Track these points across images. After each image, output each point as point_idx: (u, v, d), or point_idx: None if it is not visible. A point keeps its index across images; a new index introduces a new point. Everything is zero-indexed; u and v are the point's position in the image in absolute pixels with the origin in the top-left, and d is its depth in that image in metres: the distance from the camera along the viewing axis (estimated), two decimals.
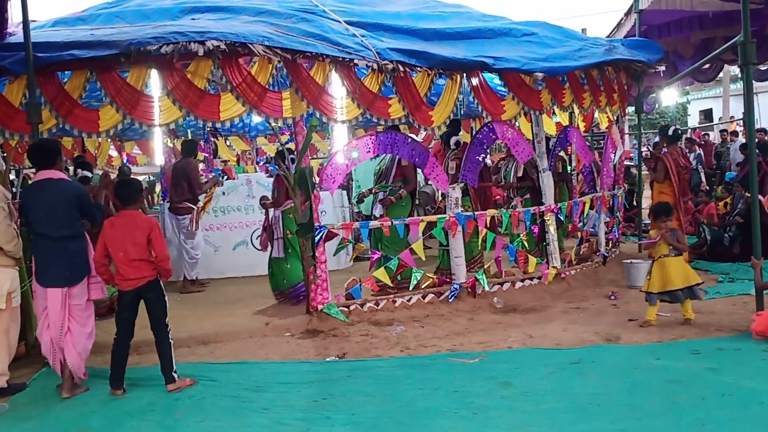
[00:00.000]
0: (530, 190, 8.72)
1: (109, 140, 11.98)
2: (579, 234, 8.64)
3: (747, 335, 5.32)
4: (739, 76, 6.04)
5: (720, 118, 25.43)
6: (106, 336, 5.12)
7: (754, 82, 16.58)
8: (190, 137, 11.32)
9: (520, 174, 8.89)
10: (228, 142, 14.39)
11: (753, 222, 5.83)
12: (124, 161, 13.08)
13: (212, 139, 12.52)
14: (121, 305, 4.79)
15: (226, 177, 10.96)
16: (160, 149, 11.45)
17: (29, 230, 4.97)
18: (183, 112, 5.88)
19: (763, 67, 13.62)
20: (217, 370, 5.21)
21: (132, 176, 9.18)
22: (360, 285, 6.73)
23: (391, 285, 6.86)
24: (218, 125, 6.37)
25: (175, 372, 4.75)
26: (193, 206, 8.55)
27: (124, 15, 6.63)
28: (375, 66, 6.16)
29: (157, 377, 4.81)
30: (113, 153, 13.27)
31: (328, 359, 5.39)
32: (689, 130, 27.22)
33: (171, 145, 11.52)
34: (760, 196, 6.43)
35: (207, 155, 12.77)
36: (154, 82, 6.01)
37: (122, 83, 5.73)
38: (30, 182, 5.14)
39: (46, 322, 4.77)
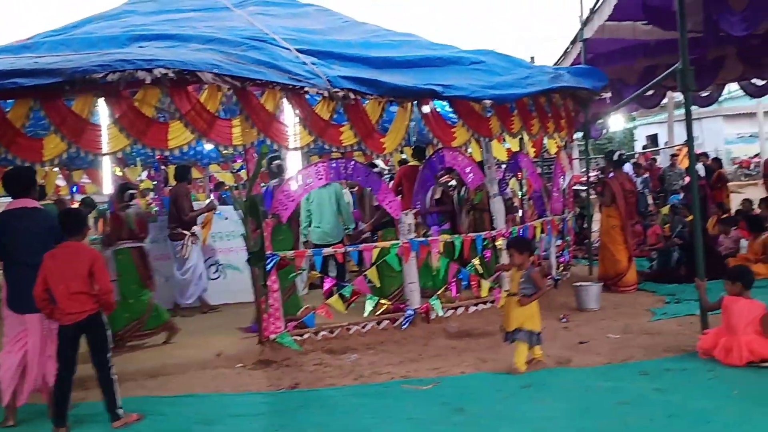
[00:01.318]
0: (449, 216, 8.74)
1: (56, 169, 11.69)
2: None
3: (693, 355, 5.44)
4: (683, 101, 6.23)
5: (666, 143, 26.23)
6: None
7: (698, 107, 17.25)
8: (181, 164, 11.03)
9: (437, 196, 8.81)
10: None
11: (696, 244, 6.00)
12: (73, 190, 12.78)
13: (163, 167, 12.32)
14: (61, 340, 4.63)
15: None
16: (108, 178, 11.23)
17: (3, 258, 4.94)
18: (130, 140, 5.78)
19: (704, 94, 14.16)
20: (166, 403, 5.08)
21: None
22: (314, 313, 6.67)
23: (345, 312, 6.82)
24: (167, 153, 6.29)
25: (120, 408, 4.60)
26: (186, 232, 8.47)
27: (70, 43, 6.52)
28: (326, 93, 6.18)
29: (103, 412, 4.65)
30: (60, 182, 12.95)
31: (280, 390, 5.30)
32: (636, 155, 28.01)
33: (120, 174, 11.32)
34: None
35: (157, 184, 12.57)
36: (102, 110, 5.92)
37: (67, 111, 5.62)
38: (3, 210, 5.07)
39: (16, 347, 4.74)
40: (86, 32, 6.99)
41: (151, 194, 13.03)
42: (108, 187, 11.27)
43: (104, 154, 6.07)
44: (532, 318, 5.38)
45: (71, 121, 5.61)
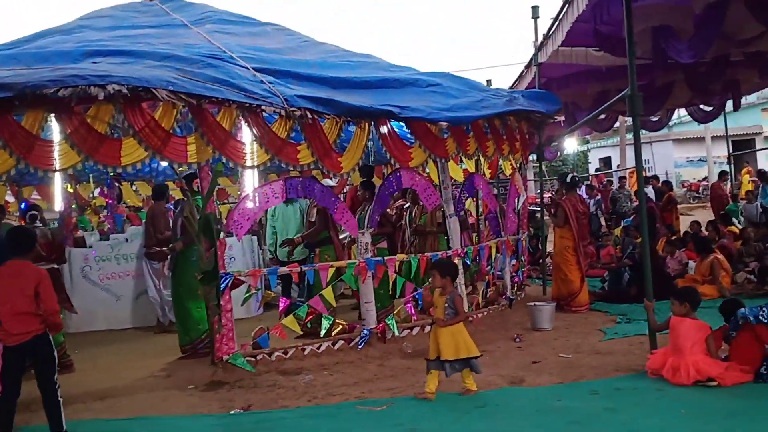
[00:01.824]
0: (387, 237, 8.70)
1: (6, 185, 11.40)
2: (486, 278, 8.83)
3: (643, 374, 5.55)
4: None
5: (618, 166, 26.87)
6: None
7: (648, 132, 17.68)
8: (159, 183, 10.82)
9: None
10: (134, 187, 13.99)
11: (644, 265, 6.14)
12: (22, 207, 12.45)
13: (116, 183, 12.12)
14: (6, 361, 4.48)
15: (130, 223, 10.61)
16: (59, 195, 10.99)
17: None
18: (82, 156, 5.68)
19: (655, 118, 14.57)
20: (115, 427, 4.96)
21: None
22: (268, 333, 6.60)
23: (300, 333, 6.78)
24: (119, 170, 6.19)
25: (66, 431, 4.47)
26: (165, 249, 8.28)
27: (21, 57, 6.38)
28: (283, 112, 6.18)
29: None
30: (10, 198, 12.62)
31: (232, 412, 5.22)
32: (590, 177, 28.59)
33: (71, 191, 11.09)
34: None
35: (110, 201, 12.34)
36: (54, 126, 5.80)
37: (17, 127, 5.49)
38: None
39: None
40: (38, 47, 6.87)
41: (104, 212, 12.79)
42: (59, 204, 11.03)
43: (55, 171, 5.95)
44: (467, 344, 5.17)
45: (21, 136, 5.48)
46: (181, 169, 7.42)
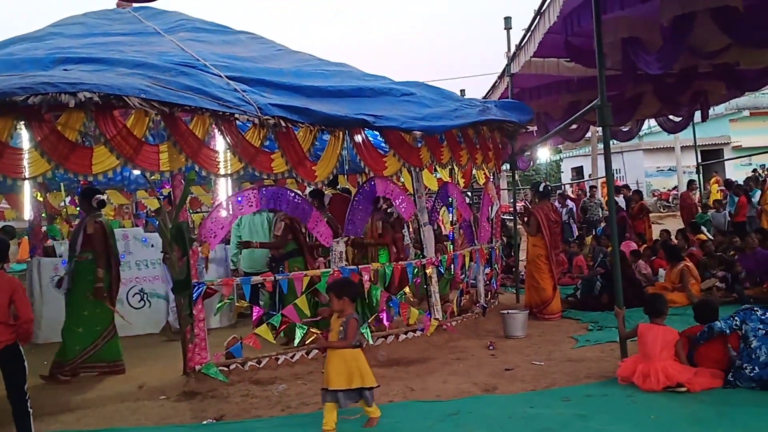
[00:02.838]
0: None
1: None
2: (460, 286, 8.88)
3: (614, 381, 5.62)
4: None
5: (590, 175, 27.20)
6: None
7: (619, 141, 17.93)
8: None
9: (278, 232, 8.35)
10: (105, 196, 13.80)
11: (615, 273, 6.23)
12: None
13: None
14: None
15: None
16: (28, 203, 10.81)
17: None
18: (52, 165, 5.61)
19: (625, 128, 14.80)
20: None
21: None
22: (241, 343, 6.56)
23: (274, 341, 6.74)
24: (91, 178, 6.12)
25: None
26: None
27: None
28: (256, 121, 6.16)
29: None
30: None
31: (204, 422, 5.17)
32: (563, 186, 28.90)
33: (41, 199, 10.92)
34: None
35: (81, 210, 12.17)
36: (24, 134, 5.73)
37: None
38: None
39: None
40: (8, 54, 6.78)
41: (75, 220, 12.60)
42: (28, 213, 10.85)
43: (25, 179, 5.87)
44: (362, 372, 4.66)
45: None
46: (153, 177, 7.36)
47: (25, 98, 5.10)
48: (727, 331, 5.38)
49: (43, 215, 11.12)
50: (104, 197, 7.27)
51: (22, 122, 5.54)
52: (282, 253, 7.80)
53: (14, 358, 4.46)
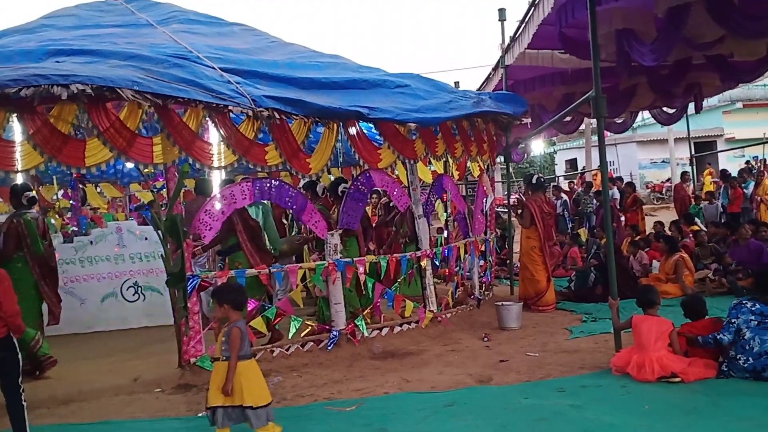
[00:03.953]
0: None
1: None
2: (454, 278, 8.88)
3: (608, 371, 5.64)
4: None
5: (583, 167, 27.24)
6: None
7: (613, 134, 17.93)
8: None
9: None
10: (99, 189, 13.77)
11: (609, 265, 6.25)
12: None
13: (80, 185, 11.91)
14: None
15: (94, 225, 10.44)
16: None
17: None
18: (45, 157, 5.58)
19: (619, 120, 14.81)
20: (79, 431, 4.88)
21: None
22: None
23: (267, 334, 6.74)
24: (83, 171, 6.09)
25: None
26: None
27: None
28: (250, 113, 6.14)
29: None
30: None
31: (200, 414, 5.17)
32: (557, 178, 28.94)
33: (34, 192, 10.84)
34: None
35: (74, 203, 12.12)
36: (15, 126, 5.69)
37: None
38: None
39: None
40: (0, 46, 6.72)
41: (68, 214, 12.54)
42: None
43: (17, 172, 5.83)
44: (242, 387, 4.14)
45: None
46: (146, 170, 7.34)
47: (17, 90, 5.08)
48: (731, 338, 5.35)
49: (36, 208, 11.03)
50: (33, 194, 7.16)
51: (14, 115, 5.50)
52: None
53: (6, 351, 4.44)
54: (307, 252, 9.11)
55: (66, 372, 6.59)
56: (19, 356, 4.52)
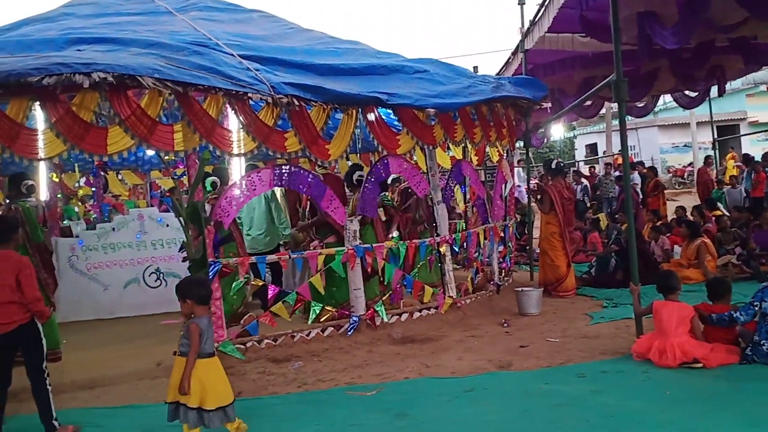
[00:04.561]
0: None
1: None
2: (474, 264, 8.88)
3: (629, 357, 5.63)
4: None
5: (604, 152, 27.00)
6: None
7: (634, 118, 17.78)
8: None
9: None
10: (120, 176, 13.91)
11: (630, 250, 6.21)
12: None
13: (102, 173, 12.04)
14: None
15: (116, 212, 10.55)
16: (44, 184, 10.90)
17: None
18: (68, 145, 5.64)
19: (640, 104, 14.66)
20: (103, 415, 4.97)
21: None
22: (257, 321, 6.61)
23: (289, 319, 6.80)
24: (106, 159, 6.15)
25: (56, 420, 4.49)
26: None
27: (4, 45, 6.31)
28: (270, 100, 6.15)
29: (37, 425, 4.53)
30: None
31: None
32: (577, 163, 28.72)
33: (57, 180, 11.00)
34: None
35: (96, 190, 12.26)
36: (38, 115, 5.76)
37: (1, 115, 5.44)
38: None
39: None
40: (22, 35, 6.78)
41: (90, 201, 12.71)
42: (44, 194, 10.94)
43: (40, 160, 5.91)
44: (203, 387, 3.98)
45: (5, 125, 5.44)
46: (167, 157, 7.39)
47: (40, 79, 5.12)
48: (748, 319, 5.32)
49: (59, 196, 11.19)
50: (32, 182, 7.16)
51: (37, 103, 5.57)
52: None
53: (30, 337, 4.52)
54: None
55: (90, 357, 6.69)
56: (43, 341, 4.61)
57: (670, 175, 29.22)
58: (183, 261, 7.62)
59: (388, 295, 7.47)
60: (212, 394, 3.98)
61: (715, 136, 17.72)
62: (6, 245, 4.56)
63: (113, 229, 9.22)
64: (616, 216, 11.53)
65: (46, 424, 4.47)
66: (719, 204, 13.45)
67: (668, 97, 17.46)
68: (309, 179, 7.00)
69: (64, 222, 11.51)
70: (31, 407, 4.71)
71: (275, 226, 8.26)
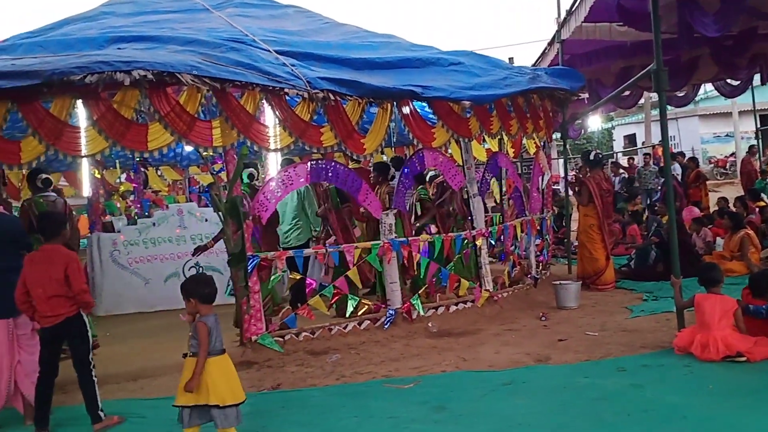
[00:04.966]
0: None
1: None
2: (511, 258, 8.82)
3: (670, 351, 5.54)
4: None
5: (643, 143, 26.54)
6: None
7: (674, 107, 17.45)
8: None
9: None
10: (159, 172, 14.15)
11: (671, 242, 6.10)
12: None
13: (142, 169, 12.26)
14: (42, 343, 4.62)
15: (156, 208, 10.74)
16: (87, 180, 11.15)
17: None
18: (109, 142, 5.76)
19: (680, 94, 14.36)
20: (147, 406, 5.07)
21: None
22: (295, 314, 6.68)
23: (327, 312, 6.85)
24: (146, 155, 6.26)
25: (101, 410, 4.60)
26: None
27: (46, 44, 6.48)
28: (306, 95, 6.20)
29: (83, 416, 4.65)
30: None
31: (262, 391, 5.31)
32: (615, 154, 28.30)
33: (99, 176, 11.24)
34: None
35: (136, 186, 12.50)
36: (80, 112, 5.89)
37: (45, 114, 5.58)
38: None
39: None
40: (63, 34, 6.94)
41: (131, 197, 12.96)
42: (87, 190, 11.21)
43: (83, 157, 6.04)
44: (208, 386, 3.89)
45: (49, 123, 5.57)
46: (205, 153, 7.50)
47: (82, 77, 5.23)
48: None
49: (100, 191, 11.44)
50: (47, 176, 7.22)
51: (79, 101, 5.69)
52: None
53: (76, 329, 4.64)
54: None
55: (133, 349, 6.85)
56: (89, 333, 4.72)
57: (712, 165, 28.59)
58: (193, 255, 7.74)
59: (424, 288, 7.48)
60: (219, 392, 3.89)
61: (758, 125, 17.27)
62: (55, 240, 4.68)
63: (153, 224, 9.39)
64: (656, 207, 11.32)
65: (92, 415, 4.58)
66: (763, 195, 13.10)
67: (709, 86, 17.07)
68: (345, 174, 7.03)
69: (107, 217, 11.78)
70: (77, 398, 4.83)
71: (308, 220, 8.30)
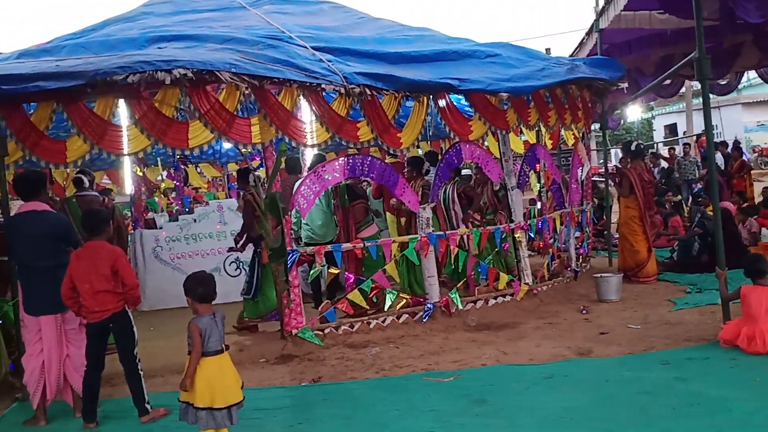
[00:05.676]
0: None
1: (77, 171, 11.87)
2: (550, 250, 8.74)
3: (715, 344, 5.44)
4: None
5: (684, 132, 26.01)
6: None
7: (716, 96, 17.10)
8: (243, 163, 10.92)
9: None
10: (199, 169, 14.36)
11: (716, 233, 5.98)
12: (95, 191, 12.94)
13: (182, 166, 12.46)
14: (88, 337, 4.74)
15: (197, 204, 10.91)
16: (129, 178, 11.38)
17: (15, 261, 5.05)
18: (151, 140, 5.87)
19: (723, 82, 14.03)
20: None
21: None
22: (334, 308, 6.72)
23: (366, 307, 6.88)
24: (187, 152, 6.36)
25: (148, 403, 4.71)
26: None
27: (89, 45, 6.62)
28: (342, 90, 6.23)
29: (130, 409, 4.75)
30: None
31: (303, 383, 5.37)
32: (655, 145, 27.77)
33: (141, 174, 11.45)
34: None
35: (177, 183, 12.71)
36: (122, 111, 6.01)
37: (89, 113, 5.71)
38: (14, 214, 5.17)
39: (36, 349, 4.85)
40: (105, 35, 7.08)
41: (173, 194, 13.19)
42: (129, 188, 11.43)
43: (126, 155, 6.17)
44: (224, 387, 3.86)
45: (93, 122, 5.70)
46: (244, 150, 7.58)
47: (125, 77, 5.34)
48: None
49: (143, 189, 11.67)
50: (78, 176, 7.42)
51: (121, 100, 5.81)
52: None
53: (123, 323, 4.74)
54: None
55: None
56: (134, 327, 4.82)
57: (756, 154, 27.86)
58: (228, 251, 7.81)
59: (462, 282, 7.46)
60: (220, 393, 3.83)
61: None
62: (99, 237, 4.79)
63: (195, 220, 9.54)
64: (700, 198, 11.09)
65: (139, 407, 4.69)
66: None
67: (752, 74, 16.64)
68: (381, 168, 7.04)
69: (149, 214, 12.00)
70: (124, 391, 4.95)
71: (333, 217, 8.25)
